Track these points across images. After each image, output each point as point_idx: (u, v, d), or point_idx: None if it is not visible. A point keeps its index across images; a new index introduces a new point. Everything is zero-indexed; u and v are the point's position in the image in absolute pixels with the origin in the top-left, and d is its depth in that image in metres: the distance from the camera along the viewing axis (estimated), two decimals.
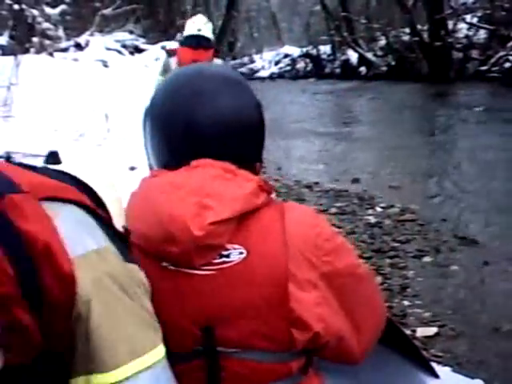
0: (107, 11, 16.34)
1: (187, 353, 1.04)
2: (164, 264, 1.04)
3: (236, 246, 1.03)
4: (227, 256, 1.02)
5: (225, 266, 1.02)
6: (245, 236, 1.03)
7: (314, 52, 29.95)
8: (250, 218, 1.05)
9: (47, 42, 14.10)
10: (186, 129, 1.09)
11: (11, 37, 12.20)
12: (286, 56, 31.85)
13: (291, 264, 1.03)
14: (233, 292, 1.02)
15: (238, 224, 1.03)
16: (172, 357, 0.89)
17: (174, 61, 5.17)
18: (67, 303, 0.77)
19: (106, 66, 13.87)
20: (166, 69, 5.18)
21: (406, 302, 3.75)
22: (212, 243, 1.01)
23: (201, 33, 4.98)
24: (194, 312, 1.03)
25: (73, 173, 0.89)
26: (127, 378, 0.79)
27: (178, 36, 5.54)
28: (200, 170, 1.06)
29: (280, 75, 30.05)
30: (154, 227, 1.03)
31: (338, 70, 26.83)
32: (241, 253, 1.03)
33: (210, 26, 5.11)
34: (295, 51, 31.70)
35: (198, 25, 5.05)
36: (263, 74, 31.36)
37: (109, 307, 0.80)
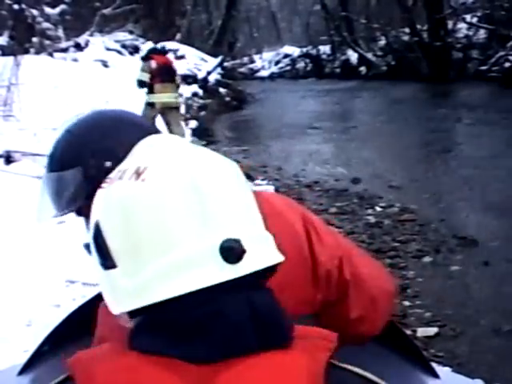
0: (107, 11, 16.32)
1: None
2: None
3: None
4: None
5: None
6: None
7: (313, 52, 29.96)
8: None
9: (47, 42, 14.10)
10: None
11: (11, 37, 12.18)
12: (286, 56, 31.85)
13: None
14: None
15: None
16: None
17: (153, 63, 7.98)
18: None
19: (105, 65, 13.86)
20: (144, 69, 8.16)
21: (406, 303, 3.75)
22: None
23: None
24: None
25: None
26: None
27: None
28: None
29: (280, 75, 30.03)
30: None
31: (337, 70, 26.85)
32: None
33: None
34: (295, 51, 31.69)
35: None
36: (263, 73, 31.36)
37: None
